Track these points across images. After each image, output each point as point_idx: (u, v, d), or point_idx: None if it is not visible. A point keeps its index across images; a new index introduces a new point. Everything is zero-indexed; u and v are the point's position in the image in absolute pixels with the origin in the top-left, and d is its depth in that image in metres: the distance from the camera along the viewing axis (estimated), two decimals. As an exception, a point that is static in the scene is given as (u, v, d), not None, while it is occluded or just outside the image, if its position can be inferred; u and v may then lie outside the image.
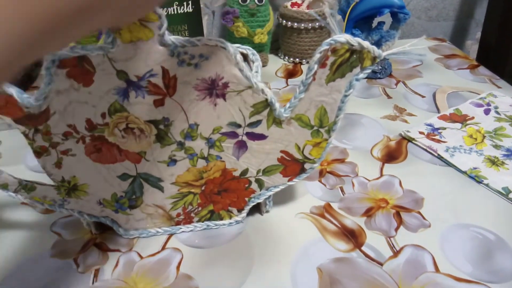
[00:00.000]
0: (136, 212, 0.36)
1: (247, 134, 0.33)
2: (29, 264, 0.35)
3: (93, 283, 0.33)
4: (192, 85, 0.30)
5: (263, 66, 0.69)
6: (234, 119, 0.32)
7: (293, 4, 0.70)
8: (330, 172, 0.45)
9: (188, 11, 0.63)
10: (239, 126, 0.32)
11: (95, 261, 0.35)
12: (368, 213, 0.39)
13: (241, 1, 0.63)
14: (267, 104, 0.31)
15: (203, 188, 0.36)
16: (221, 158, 0.34)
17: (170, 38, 0.27)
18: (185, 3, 0.62)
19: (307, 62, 0.70)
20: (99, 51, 0.27)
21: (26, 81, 0.66)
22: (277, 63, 0.71)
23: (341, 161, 0.46)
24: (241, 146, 0.33)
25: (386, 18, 0.62)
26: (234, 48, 0.29)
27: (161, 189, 0.35)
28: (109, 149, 0.32)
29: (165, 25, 0.27)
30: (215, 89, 0.30)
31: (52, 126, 0.30)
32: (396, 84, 0.63)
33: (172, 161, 0.33)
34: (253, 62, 0.34)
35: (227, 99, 0.30)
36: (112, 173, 0.33)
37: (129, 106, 0.30)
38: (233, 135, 0.33)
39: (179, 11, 0.62)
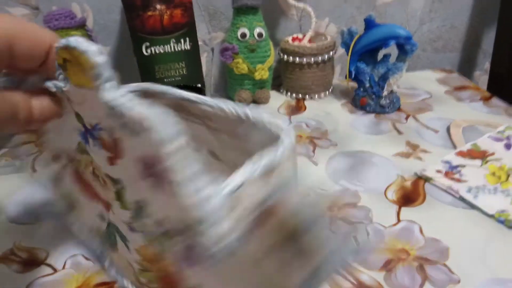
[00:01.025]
0: (116, 256, 0.31)
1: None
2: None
3: None
4: (135, 155, 0.23)
5: (264, 103, 0.66)
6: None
7: (294, 39, 0.68)
8: (341, 219, 0.40)
9: (186, 48, 0.61)
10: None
11: (73, 332, 0.30)
12: (387, 266, 0.34)
13: (240, 37, 0.61)
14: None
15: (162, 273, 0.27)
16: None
17: (109, 93, 0.21)
18: (182, 40, 0.60)
19: (311, 98, 0.67)
20: (53, 87, 0.24)
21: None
22: (279, 99, 0.68)
23: (353, 205, 0.42)
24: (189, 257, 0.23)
25: (392, 50, 0.60)
26: (171, 135, 0.19)
27: (128, 248, 0.29)
28: (86, 184, 0.29)
29: (105, 76, 0.21)
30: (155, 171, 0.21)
31: (46, 144, 0.29)
32: (407, 119, 0.59)
33: (130, 229, 0.27)
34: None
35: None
36: (93, 208, 0.30)
37: (91, 152, 0.26)
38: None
39: (176, 49, 0.60)
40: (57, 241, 0.39)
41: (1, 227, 0.42)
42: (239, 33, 0.61)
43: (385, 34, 0.58)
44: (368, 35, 0.59)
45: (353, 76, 0.62)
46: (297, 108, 0.65)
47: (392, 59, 0.60)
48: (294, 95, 0.68)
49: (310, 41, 0.67)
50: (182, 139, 0.19)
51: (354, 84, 0.65)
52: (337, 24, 0.74)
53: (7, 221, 0.43)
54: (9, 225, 0.42)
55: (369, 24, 0.59)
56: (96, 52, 0.21)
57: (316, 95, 0.67)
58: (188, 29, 0.60)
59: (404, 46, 0.57)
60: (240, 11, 0.61)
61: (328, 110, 0.63)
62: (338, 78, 0.76)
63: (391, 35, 0.57)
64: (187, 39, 0.61)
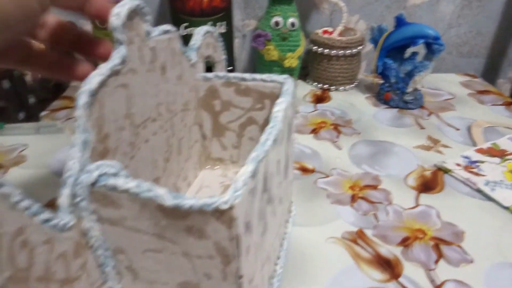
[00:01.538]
0: None
1: None
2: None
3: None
4: None
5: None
6: None
7: (324, 32, 0.70)
8: (362, 198, 0.42)
9: (221, 32, 0.64)
10: None
11: None
12: (405, 242, 0.37)
13: (273, 25, 0.64)
14: None
15: None
16: None
17: None
18: (218, 24, 0.63)
19: (336, 89, 0.69)
20: None
21: (56, 90, 0.67)
22: (305, 88, 0.71)
23: (374, 187, 0.44)
24: None
25: (420, 49, 0.62)
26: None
27: None
28: None
29: None
30: None
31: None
32: (429, 116, 0.61)
33: None
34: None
35: None
36: None
37: None
38: None
39: (212, 31, 0.63)
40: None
41: (45, 179, 0.45)
42: (273, 21, 0.64)
43: (414, 33, 0.60)
44: (398, 32, 0.61)
45: (380, 71, 0.64)
46: (322, 97, 0.67)
47: (419, 57, 0.62)
48: (320, 85, 0.70)
49: (339, 34, 0.69)
50: None
51: (379, 80, 0.67)
52: (366, 21, 0.76)
53: (51, 175, 0.46)
54: (53, 178, 0.46)
55: (400, 22, 0.61)
56: None
57: (341, 87, 0.69)
58: (225, 14, 0.63)
59: (432, 46, 0.59)
60: (276, 0, 0.63)
61: (352, 101, 0.66)
62: (363, 74, 0.78)
63: (420, 34, 0.59)
64: (224, 23, 0.63)
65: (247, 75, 0.37)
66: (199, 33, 0.38)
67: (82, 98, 0.22)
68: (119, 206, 0.21)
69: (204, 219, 0.19)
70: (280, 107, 0.28)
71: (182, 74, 0.36)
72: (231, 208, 0.18)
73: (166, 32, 0.31)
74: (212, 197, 0.19)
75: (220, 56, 0.41)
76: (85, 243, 0.23)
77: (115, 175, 0.21)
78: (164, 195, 0.19)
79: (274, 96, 0.30)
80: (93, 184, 0.21)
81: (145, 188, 0.20)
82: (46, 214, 0.20)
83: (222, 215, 0.19)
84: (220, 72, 0.39)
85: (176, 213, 0.20)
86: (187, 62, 0.36)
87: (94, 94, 0.23)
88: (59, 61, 0.29)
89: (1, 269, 0.19)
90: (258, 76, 0.36)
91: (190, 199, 0.19)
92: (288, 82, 0.34)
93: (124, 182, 0.20)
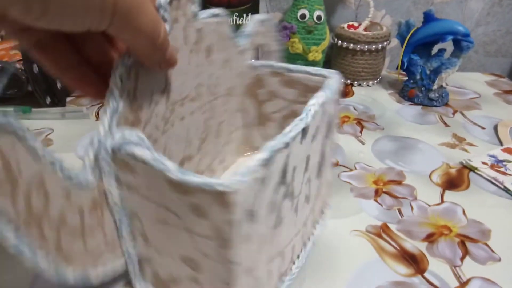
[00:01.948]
0: None
1: None
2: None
3: None
4: None
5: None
6: None
7: (349, 26, 0.70)
8: (386, 193, 0.42)
9: (246, 23, 0.64)
10: None
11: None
12: (430, 238, 0.36)
13: (299, 18, 0.64)
14: None
15: None
16: None
17: None
18: (244, 15, 0.63)
19: (359, 84, 0.69)
20: None
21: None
22: (327, 83, 0.70)
23: (398, 182, 0.44)
24: None
25: (447, 46, 0.61)
26: None
27: None
28: None
29: None
30: None
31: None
32: (454, 114, 0.60)
33: None
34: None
35: None
36: None
37: None
38: None
39: (237, 22, 0.63)
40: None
41: (72, 162, 0.46)
42: (299, 14, 0.64)
43: (443, 29, 0.59)
44: (426, 28, 0.60)
45: (405, 67, 0.63)
46: (345, 92, 0.67)
47: (446, 55, 0.61)
48: (343, 80, 0.70)
49: (365, 29, 0.68)
50: None
51: (403, 76, 0.66)
52: (392, 16, 0.75)
53: (76, 158, 0.47)
54: (79, 162, 0.46)
55: (428, 18, 0.60)
56: None
57: (365, 82, 0.69)
58: (252, 6, 0.63)
59: (461, 43, 0.58)
60: (302, -7, 0.63)
61: (375, 97, 0.65)
62: (386, 70, 0.77)
63: (449, 30, 0.58)
64: (249, 14, 0.63)
65: (293, 66, 0.36)
66: (253, 20, 0.37)
67: (119, 68, 0.23)
68: (135, 173, 0.22)
69: (206, 199, 0.19)
70: (316, 101, 0.27)
71: (229, 59, 0.35)
72: (232, 192, 0.18)
73: (215, 15, 0.31)
74: (218, 178, 0.19)
75: (274, 46, 0.40)
76: (103, 203, 0.24)
77: (137, 144, 0.22)
78: (173, 170, 0.20)
79: (317, 90, 0.30)
80: (116, 149, 0.22)
81: (158, 161, 0.20)
82: (68, 171, 0.22)
83: (222, 197, 0.19)
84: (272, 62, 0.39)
85: (182, 189, 0.20)
86: (236, 48, 0.36)
87: (131, 65, 0.24)
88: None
89: (17, 212, 0.19)
90: (304, 68, 0.35)
91: (196, 177, 0.19)
92: (333, 77, 0.32)
93: (142, 152, 0.21)
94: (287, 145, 0.22)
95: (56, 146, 0.49)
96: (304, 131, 0.24)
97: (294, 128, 0.23)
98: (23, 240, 0.19)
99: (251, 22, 0.37)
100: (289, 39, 0.64)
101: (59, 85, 0.57)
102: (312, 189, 0.29)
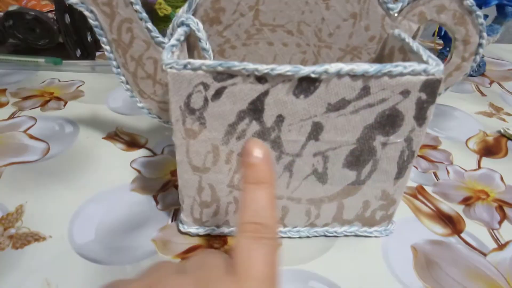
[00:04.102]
0: None
1: None
2: (110, 194, 0.35)
3: (172, 221, 0.32)
4: None
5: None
6: None
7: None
8: (421, 156, 0.41)
9: None
10: None
11: (175, 201, 0.34)
12: (467, 202, 0.36)
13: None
14: None
15: None
16: None
17: None
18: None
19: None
20: None
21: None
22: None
23: (433, 147, 0.43)
24: None
25: (490, 11, 0.58)
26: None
27: None
28: None
29: None
30: None
31: None
32: (490, 84, 0.58)
33: None
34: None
35: None
36: None
37: None
38: None
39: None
40: (155, 132, 0.43)
41: (104, 113, 0.46)
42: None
43: (487, -7, 0.56)
44: (468, -8, 0.57)
45: (442, 34, 0.61)
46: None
47: (489, 20, 0.58)
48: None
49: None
50: None
51: (439, 45, 0.64)
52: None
53: (108, 109, 0.47)
54: (111, 113, 0.47)
55: (471, -19, 0.57)
56: None
57: (398, 49, 0.66)
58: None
59: (505, 8, 0.55)
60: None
61: (408, 65, 0.63)
62: (420, 39, 0.74)
63: (494, -6, 0.55)
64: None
65: (416, 48, 0.27)
66: None
67: None
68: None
69: None
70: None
71: (361, 15, 0.31)
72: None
73: None
74: None
75: (471, 35, 0.31)
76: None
77: (193, 29, 0.28)
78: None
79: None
80: (178, 25, 0.29)
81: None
82: (152, 27, 0.30)
83: None
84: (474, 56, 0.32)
85: None
86: (381, 10, 0.31)
87: None
88: None
89: (111, 32, 0.30)
90: (424, 53, 0.26)
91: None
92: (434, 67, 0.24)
93: (179, 35, 0.27)
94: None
95: (87, 98, 0.50)
96: (303, 84, 0.23)
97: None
98: (112, 56, 0.31)
99: None
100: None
101: (89, 38, 0.57)
102: (334, 172, 0.27)
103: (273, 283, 0.17)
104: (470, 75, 0.60)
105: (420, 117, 0.25)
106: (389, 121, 0.25)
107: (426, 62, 0.25)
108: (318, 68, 0.22)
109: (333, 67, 0.22)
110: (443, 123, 0.47)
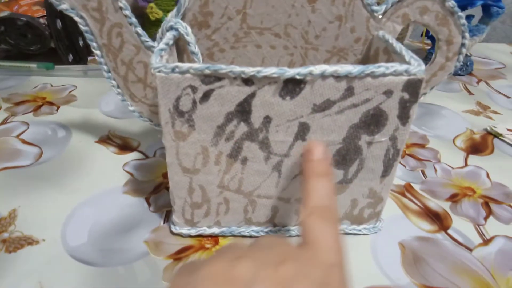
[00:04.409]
0: None
1: None
2: (103, 197, 0.35)
3: (164, 222, 0.33)
4: None
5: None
6: None
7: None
8: (409, 155, 0.42)
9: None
10: None
11: (167, 203, 0.34)
12: (454, 198, 0.36)
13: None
14: None
15: None
16: None
17: None
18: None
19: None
20: None
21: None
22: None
23: (421, 146, 0.44)
24: None
25: (475, 12, 0.59)
26: None
27: None
28: None
29: None
30: None
31: None
32: (478, 83, 0.59)
33: None
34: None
35: None
36: None
37: None
38: None
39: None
40: (147, 135, 0.44)
41: (96, 117, 0.47)
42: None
43: (473, -6, 0.57)
44: (454, -7, 0.58)
45: (430, 34, 0.62)
46: (367, 59, 0.66)
47: (475, 21, 0.59)
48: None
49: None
50: None
51: (427, 45, 0.65)
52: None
53: (101, 113, 0.48)
54: (103, 117, 0.47)
55: (457, -18, 0.58)
56: None
57: (387, 50, 0.67)
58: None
59: (490, 8, 0.56)
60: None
61: (398, 65, 0.64)
62: (409, 39, 0.75)
63: (479, -5, 0.56)
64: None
65: (399, 49, 0.28)
66: None
67: None
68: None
69: None
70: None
71: (347, 17, 0.32)
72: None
73: None
74: None
75: (454, 35, 0.32)
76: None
77: (182, 33, 0.29)
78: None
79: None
80: (167, 29, 0.29)
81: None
82: (142, 31, 0.30)
83: None
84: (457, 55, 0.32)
85: None
86: (365, 12, 0.32)
87: None
88: None
89: (101, 37, 0.30)
90: (408, 54, 0.26)
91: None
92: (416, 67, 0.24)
93: (168, 39, 0.28)
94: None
95: (79, 102, 0.50)
96: (289, 86, 0.24)
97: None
98: (103, 60, 0.31)
99: None
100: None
101: (81, 43, 0.57)
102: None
103: (341, 253, 0.19)
104: (458, 74, 0.61)
105: (404, 116, 0.26)
106: (374, 121, 0.26)
107: (408, 63, 0.25)
108: (303, 70, 0.23)
109: (318, 68, 0.23)
110: (431, 121, 0.48)
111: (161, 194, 0.35)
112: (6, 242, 0.30)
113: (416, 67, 0.24)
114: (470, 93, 0.56)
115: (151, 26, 0.58)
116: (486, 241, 0.32)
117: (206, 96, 0.24)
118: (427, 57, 0.63)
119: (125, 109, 0.48)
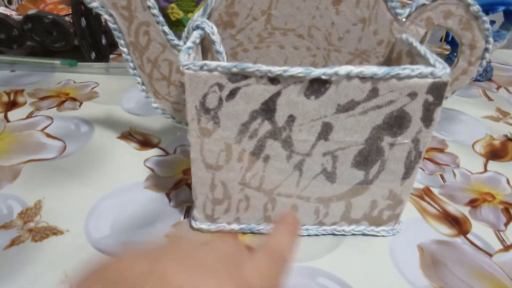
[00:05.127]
0: None
1: None
2: (125, 191, 0.36)
3: (184, 218, 0.33)
4: None
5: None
6: None
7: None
8: (428, 159, 0.42)
9: None
10: None
11: (187, 199, 0.35)
12: (473, 203, 0.36)
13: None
14: None
15: None
16: None
17: None
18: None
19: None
20: None
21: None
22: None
23: (440, 150, 0.44)
24: None
25: (497, 17, 0.58)
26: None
27: None
28: None
29: None
30: None
31: None
32: (497, 89, 0.58)
33: None
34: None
35: None
36: None
37: None
38: None
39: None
40: (168, 132, 0.44)
41: (117, 113, 0.48)
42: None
43: (494, -1, 0.56)
44: (476, -2, 0.58)
45: (449, 39, 0.61)
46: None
47: (496, 27, 0.59)
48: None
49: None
50: None
51: (446, 50, 0.64)
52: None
53: (122, 110, 0.49)
54: (124, 113, 0.48)
55: (479, -13, 0.58)
56: None
57: (406, 54, 0.67)
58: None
59: (512, 14, 0.56)
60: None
61: (416, 69, 0.64)
62: (427, 44, 0.75)
63: (501, 0, 0.56)
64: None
65: (423, 51, 0.28)
66: None
67: None
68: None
69: None
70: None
71: (370, 20, 0.32)
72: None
73: None
74: None
75: (478, 40, 0.32)
76: None
77: (208, 33, 0.29)
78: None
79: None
80: (193, 28, 0.30)
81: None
82: (168, 30, 0.31)
83: None
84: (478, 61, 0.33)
85: None
86: (389, 15, 0.32)
87: None
88: None
89: (129, 35, 0.31)
90: (431, 57, 0.27)
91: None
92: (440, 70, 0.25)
93: (195, 38, 0.28)
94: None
95: (101, 99, 0.51)
96: (314, 85, 0.24)
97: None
98: (129, 57, 0.32)
99: None
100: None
101: (103, 41, 0.58)
102: (343, 171, 0.28)
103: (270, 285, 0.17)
104: (477, 80, 0.60)
105: (427, 119, 0.26)
106: (397, 122, 0.26)
107: (433, 66, 0.26)
108: (329, 70, 0.23)
109: (343, 69, 0.23)
110: (450, 126, 0.48)
111: (182, 189, 0.36)
112: (32, 231, 0.31)
113: (441, 70, 0.24)
114: (489, 99, 0.55)
115: (171, 26, 0.59)
116: (507, 247, 0.32)
117: (232, 94, 0.25)
118: (445, 62, 0.63)
119: (146, 107, 0.49)
